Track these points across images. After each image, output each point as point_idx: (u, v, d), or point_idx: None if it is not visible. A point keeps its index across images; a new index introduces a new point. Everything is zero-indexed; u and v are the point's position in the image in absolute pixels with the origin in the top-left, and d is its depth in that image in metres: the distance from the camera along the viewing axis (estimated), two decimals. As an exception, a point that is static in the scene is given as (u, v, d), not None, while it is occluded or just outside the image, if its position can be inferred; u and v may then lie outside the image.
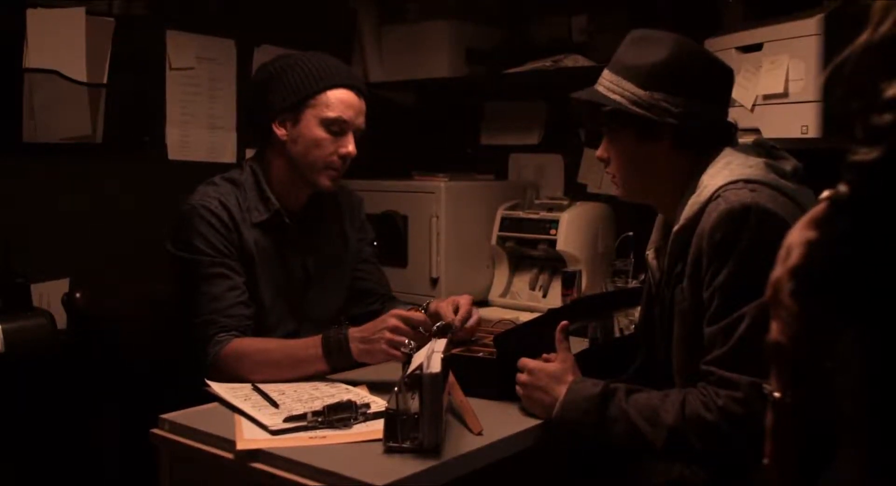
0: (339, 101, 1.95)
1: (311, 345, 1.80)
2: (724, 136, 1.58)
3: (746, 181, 1.45)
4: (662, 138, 1.53)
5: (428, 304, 2.01)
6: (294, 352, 1.81)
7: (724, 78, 1.58)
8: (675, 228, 1.52)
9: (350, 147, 1.97)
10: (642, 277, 2.26)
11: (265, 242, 1.99)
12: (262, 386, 1.71)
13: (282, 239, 2.02)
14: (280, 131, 1.97)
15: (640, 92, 1.51)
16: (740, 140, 1.60)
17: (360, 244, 2.24)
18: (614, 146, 1.61)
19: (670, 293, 1.55)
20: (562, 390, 1.54)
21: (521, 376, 1.62)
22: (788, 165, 1.54)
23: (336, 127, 1.95)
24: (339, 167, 1.99)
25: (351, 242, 2.20)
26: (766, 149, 1.58)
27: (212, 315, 1.87)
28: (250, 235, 1.96)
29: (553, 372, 1.58)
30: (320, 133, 1.95)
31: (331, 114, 1.94)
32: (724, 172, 1.48)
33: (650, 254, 1.68)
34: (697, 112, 1.51)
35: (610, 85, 1.56)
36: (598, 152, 1.65)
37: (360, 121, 2.00)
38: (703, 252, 1.43)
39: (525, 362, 1.62)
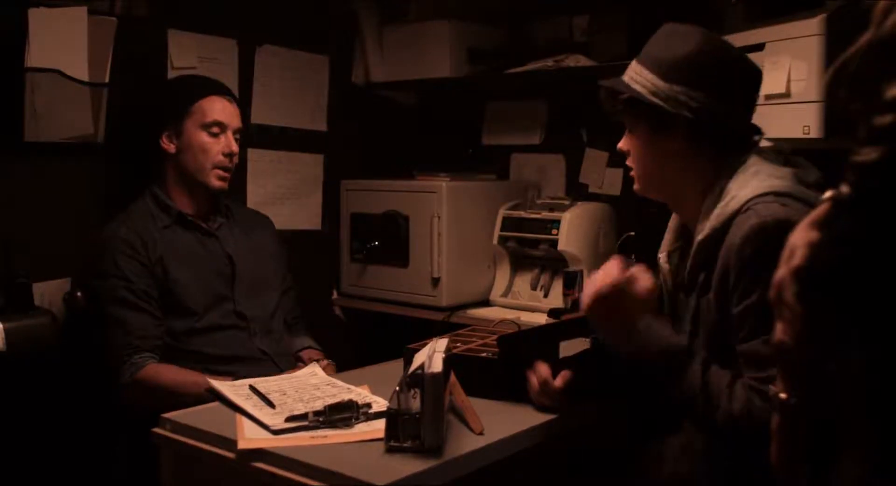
0: (213, 107, 2.27)
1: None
2: (744, 139, 1.54)
3: (777, 194, 1.41)
4: (676, 132, 1.51)
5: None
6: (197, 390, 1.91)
7: (750, 79, 1.54)
8: (700, 237, 1.49)
9: (233, 145, 2.28)
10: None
11: (179, 240, 2.24)
12: (259, 387, 1.71)
13: (197, 235, 2.28)
14: (169, 146, 2.26)
15: (660, 83, 1.49)
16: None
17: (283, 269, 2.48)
18: (633, 138, 1.59)
19: (686, 300, 1.53)
20: (644, 317, 1.47)
21: (599, 289, 1.49)
22: (812, 175, 1.50)
23: (216, 128, 2.26)
24: (226, 166, 2.27)
25: (276, 256, 2.45)
26: (784, 156, 1.54)
27: (126, 337, 2.08)
28: (161, 241, 2.19)
29: (636, 300, 1.49)
30: (203, 137, 2.25)
31: (208, 118, 2.25)
32: (752, 183, 1.44)
33: (662, 257, 1.66)
34: (715, 109, 1.48)
35: (634, 75, 1.54)
36: (620, 144, 1.63)
37: (237, 122, 2.31)
38: (732, 266, 1.40)
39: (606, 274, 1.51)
